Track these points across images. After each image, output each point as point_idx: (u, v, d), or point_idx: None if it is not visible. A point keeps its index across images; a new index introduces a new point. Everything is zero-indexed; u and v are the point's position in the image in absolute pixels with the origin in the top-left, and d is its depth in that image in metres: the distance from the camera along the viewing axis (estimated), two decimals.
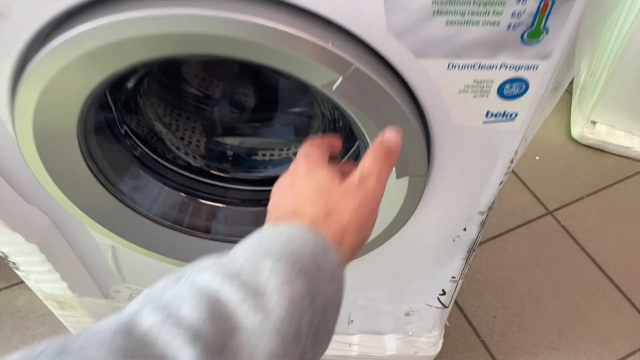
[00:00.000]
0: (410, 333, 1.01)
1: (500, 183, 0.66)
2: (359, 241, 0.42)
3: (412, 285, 0.89)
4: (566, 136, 1.52)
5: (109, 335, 0.27)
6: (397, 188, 0.64)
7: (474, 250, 0.79)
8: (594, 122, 1.47)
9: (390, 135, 0.47)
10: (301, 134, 1.02)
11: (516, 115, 0.60)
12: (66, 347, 0.26)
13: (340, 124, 0.87)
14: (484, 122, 0.60)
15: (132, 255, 0.85)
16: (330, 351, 1.14)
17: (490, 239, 1.31)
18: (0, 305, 1.14)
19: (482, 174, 0.65)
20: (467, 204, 0.69)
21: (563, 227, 1.33)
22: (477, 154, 0.63)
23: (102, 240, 0.83)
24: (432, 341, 1.03)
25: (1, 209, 0.70)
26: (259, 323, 0.30)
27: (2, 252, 0.76)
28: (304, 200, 0.42)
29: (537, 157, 1.47)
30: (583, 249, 1.29)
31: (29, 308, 1.12)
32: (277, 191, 0.47)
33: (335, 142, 0.54)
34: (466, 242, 0.79)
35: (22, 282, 1.14)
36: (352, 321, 1.04)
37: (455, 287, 0.86)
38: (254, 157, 0.95)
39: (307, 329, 0.33)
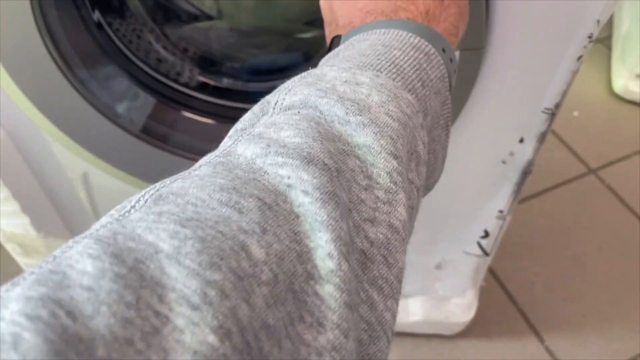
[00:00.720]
0: (440, 292, 0.85)
1: (578, 59, 0.50)
2: (464, 28, 0.35)
3: (446, 228, 0.74)
4: (607, 91, 1.36)
5: (209, 171, 0.23)
6: None
7: (529, 173, 0.63)
8: (639, 76, 1.31)
9: None
10: (313, 58, 0.87)
11: None
12: (162, 194, 0.21)
13: None
14: None
15: (109, 185, 0.70)
16: None
17: (526, 198, 1.15)
18: None
19: (554, 49, 0.50)
20: (531, 96, 0.54)
21: (608, 186, 1.17)
22: (550, 19, 0.48)
23: (70, 163, 0.68)
24: (465, 303, 0.87)
25: None
26: (373, 139, 0.25)
27: None
28: None
29: (575, 113, 1.31)
30: (632, 211, 1.13)
31: None
32: None
33: None
34: (519, 164, 0.63)
35: None
36: None
37: (502, 226, 0.71)
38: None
39: (422, 148, 0.28)
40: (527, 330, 0.97)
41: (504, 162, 0.63)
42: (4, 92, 0.57)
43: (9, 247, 0.77)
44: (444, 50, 0.31)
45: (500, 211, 0.68)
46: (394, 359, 0.93)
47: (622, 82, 1.32)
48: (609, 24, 1.46)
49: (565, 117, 1.30)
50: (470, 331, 0.95)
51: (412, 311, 0.89)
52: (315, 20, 0.92)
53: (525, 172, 0.63)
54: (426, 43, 0.30)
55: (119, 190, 0.70)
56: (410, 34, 0.30)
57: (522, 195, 1.15)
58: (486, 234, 0.72)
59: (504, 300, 1.01)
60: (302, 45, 0.89)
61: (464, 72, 0.50)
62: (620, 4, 1.43)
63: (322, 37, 0.93)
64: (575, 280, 1.03)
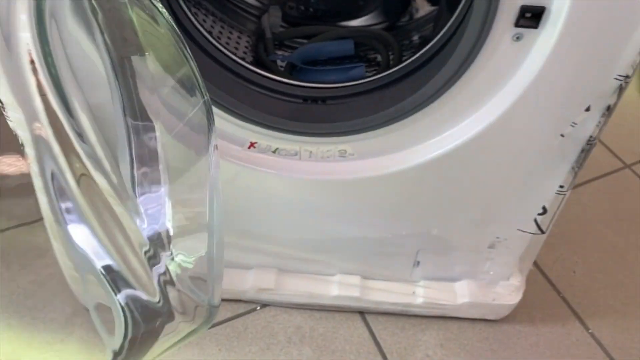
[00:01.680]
0: (491, 272, 0.86)
1: None
2: None
3: (503, 206, 0.75)
4: (638, 90, 1.38)
5: None
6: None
7: (593, 146, 0.65)
8: None
9: None
10: (363, 46, 0.90)
11: None
12: None
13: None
14: None
15: None
16: (390, 298, 0.96)
17: None
18: (16, 243, 1.02)
19: (629, 14, 0.52)
20: (604, 61, 0.56)
21: None
22: None
23: None
24: (514, 285, 0.88)
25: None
26: None
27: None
28: None
29: None
30: None
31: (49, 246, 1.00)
32: None
33: None
34: (578, 138, 0.65)
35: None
36: (417, 263, 0.89)
37: (561, 203, 0.72)
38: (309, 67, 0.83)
39: None
40: (571, 317, 0.98)
41: (562, 135, 0.64)
42: None
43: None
44: None
45: (561, 187, 0.69)
46: (440, 343, 0.94)
47: None
48: None
49: None
50: (514, 317, 0.96)
51: (459, 293, 0.90)
52: (363, 9, 0.96)
53: (588, 146, 0.65)
54: None
55: None
56: None
57: None
58: (544, 211, 0.73)
59: (546, 288, 1.02)
60: (350, 34, 0.92)
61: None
62: None
63: (369, 26, 0.96)
64: (615, 270, 1.05)
